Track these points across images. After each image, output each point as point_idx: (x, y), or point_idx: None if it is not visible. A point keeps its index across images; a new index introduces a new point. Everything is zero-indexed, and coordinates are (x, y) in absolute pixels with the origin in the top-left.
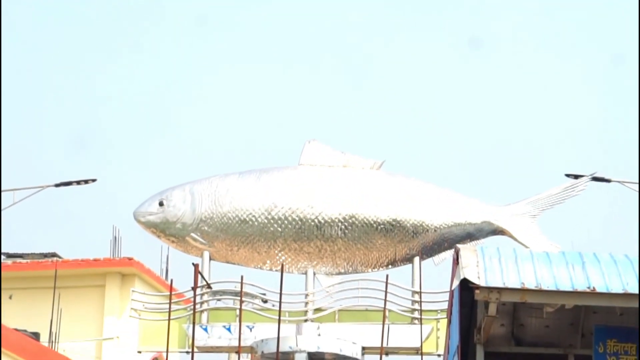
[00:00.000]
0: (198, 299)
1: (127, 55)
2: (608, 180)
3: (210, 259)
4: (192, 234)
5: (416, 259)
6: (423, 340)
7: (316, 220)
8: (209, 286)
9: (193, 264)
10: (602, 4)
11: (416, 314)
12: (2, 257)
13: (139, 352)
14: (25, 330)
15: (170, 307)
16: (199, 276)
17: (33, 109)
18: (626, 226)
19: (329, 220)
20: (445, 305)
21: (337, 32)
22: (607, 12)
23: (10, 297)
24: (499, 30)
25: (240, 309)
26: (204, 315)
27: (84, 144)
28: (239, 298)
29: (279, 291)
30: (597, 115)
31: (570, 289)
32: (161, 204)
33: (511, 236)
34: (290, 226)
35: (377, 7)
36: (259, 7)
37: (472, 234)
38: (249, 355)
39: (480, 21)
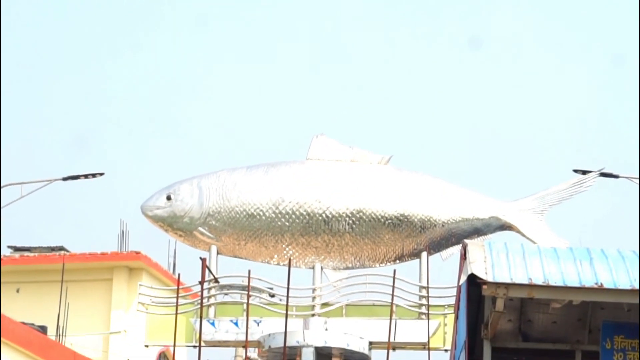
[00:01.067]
0: (205, 293)
1: (129, 54)
2: (616, 176)
3: (217, 253)
4: (200, 228)
5: (424, 254)
6: (430, 335)
7: (324, 215)
8: (216, 280)
9: (200, 258)
10: (602, 4)
11: (423, 309)
12: (10, 250)
13: (146, 346)
14: (32, 324)
15: (177, 301)
16: (207, 270)
17: (37, 106)
18: (634, 222)
19: (337, 215)
20: (452, 301)
21: (339, 31)
22: (607, 12)
23: (17, 291)
24: (499, 30)
25: (248, 304)
26: (211, 310)
27: (90, 139)
28: (246, 292)
29: (286, 286)
30: (598, 114)
31: (578, 285)
32: (169, 198)
33: (519, 232)
34: (297, 221)
35: (379, 7)
36: (259, 7)
37: (479, 229)
38: (256, 349)
39: (480, 21)
